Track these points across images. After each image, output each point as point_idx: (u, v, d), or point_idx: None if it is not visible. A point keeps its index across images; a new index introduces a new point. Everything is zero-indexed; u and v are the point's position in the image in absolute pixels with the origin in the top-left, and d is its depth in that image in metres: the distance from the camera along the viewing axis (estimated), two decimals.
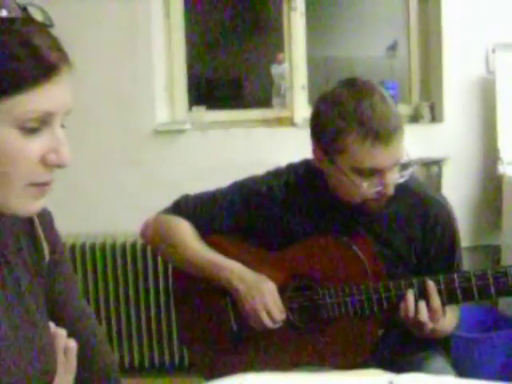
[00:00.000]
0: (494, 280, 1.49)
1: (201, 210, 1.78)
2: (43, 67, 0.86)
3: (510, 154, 3.04)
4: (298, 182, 1.75)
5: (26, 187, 0.89)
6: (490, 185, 3.21)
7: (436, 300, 1.52)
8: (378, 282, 1.60)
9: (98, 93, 3.19)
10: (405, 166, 1.60)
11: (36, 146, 0.88)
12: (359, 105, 1.51)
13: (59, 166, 0.91)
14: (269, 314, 1.64)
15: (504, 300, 3.05)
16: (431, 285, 1.53)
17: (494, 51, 3.12)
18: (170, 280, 2.12)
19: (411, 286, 1.56)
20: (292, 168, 1.79)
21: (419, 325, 1.54)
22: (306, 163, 1.77)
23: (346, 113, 1.51)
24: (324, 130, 1.57)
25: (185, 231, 1.76)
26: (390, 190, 1.56)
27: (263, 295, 1.64)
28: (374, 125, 1.49)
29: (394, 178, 1.56)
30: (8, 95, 0.84)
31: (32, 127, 0.87)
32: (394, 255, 1.68)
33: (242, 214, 1.76)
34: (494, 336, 2.86)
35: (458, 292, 1.53)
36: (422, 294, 1.54)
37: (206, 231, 1.78)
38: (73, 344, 1.04)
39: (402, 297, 1.56)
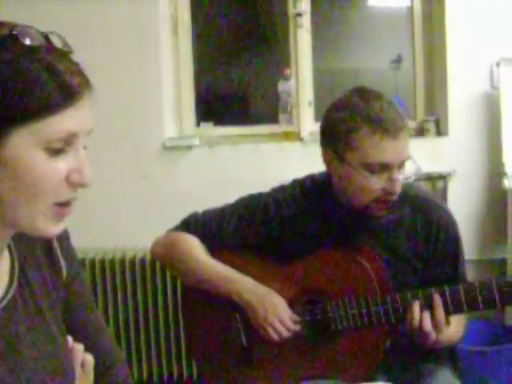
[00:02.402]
0: (498, 290, 1.52)
1: (210, 227, 1.81)
2: (67, 92, 0.90)
3: None
4: (304, 195, 1.78)
5: (52, 207, 0.93)
6: (496, 199, 3.23)
7: (440, 311, 1.55)
8: (385, 293, 1.62)
9: (106, 108, 3.21)
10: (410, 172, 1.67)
11: (61, 165, 0.92)
12: (368, 104, 1.59)
13: (82, 185, 0.95)
14: (282, 323, 1.67)
15: (511, 312, 3.06)
16: (437, 298, 1.56)
17: (498, 66, 3.15)
18: (180, 295, 2.13)
19: (417, 297, 1.58)
20: (297, 183, 1.83)
21: (423, 334, 1.56)
22: (311, 177, 1.82)
23: (356, 111, 1.59)
24: (335, 130, 1.63)
25: (195, 247, 1.80)
26: (397, 187, 1.60)
27: (276, 307, 1.68)
28: (382, 120, 1.56)
29: (402, 176, 1.61)
30: (35, 119, 0.88)
31: (57, 148, 0.91)
32: (400, 261, 1.71)
33: (249, 230, 1.79)
34: (501, 349, 2.87)
35: (463, 302, 1.56)
36: (428, 305, 1.57)
37: (216, 247, 1.81)
38: (90, 358, 1.07)
39: (408, 308, 1.58)
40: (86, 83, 0.94)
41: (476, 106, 3.24)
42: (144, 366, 3.22)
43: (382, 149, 1.57)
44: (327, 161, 1.69)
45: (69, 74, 0.91)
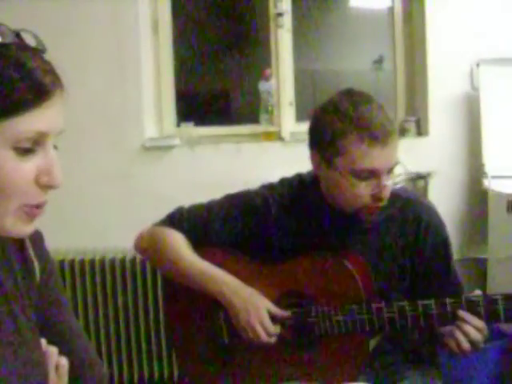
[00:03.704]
0: (484, 306, 1.51)
1: (195, 222, 1.78)
2: (37, 91, 0.88)
3: (495, 168, 3.07)
4: (292, 194, 1.76)
5: (21, 208, 0.91)
6: (476, 199, 3.24)
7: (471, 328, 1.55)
8: (371, 299, 1.61)
9: (86, 109, 3.20)
10: (398, 176, 1.68)
11: (30, 166, 0.90)
12: (357, 109, 1.56)
13: (51, 187, 0.93)
14: (263, 326, 1.65)
15: None
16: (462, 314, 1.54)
17: (478, 66, 3.16)
18: (161, 294, 2.11)
19: (402, 307, 1.57)
20: (286, 182, 1.80)
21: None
22: (298, 177, 1.80)
23: (344, 116, 1.56)
24: (323, 134, 1.60)
25: (178, 243, 1.76)
26: (386, 194, 1.59)
27: (258, 309, 1.65)
28: (371, 126, 1.53)
29: (390, 181, 1.60)
30: (3, 118, 0.86)
31: (25, 148, 0.89)
32: (388, 262, 1.70)
33: (235, 226, 1.77)
34: (485, 348, 2.87)
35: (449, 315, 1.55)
36: (419, 318, 1.56)
37: (200, 243, 1.78)
38: (64, 361, 1.05)
39: (393, 319, 1.57)
40: (57, 82, 0.92)
41: (456, 107, 3.26)
42: (125, 366, 3.20)
43: (370, 156, 1.54)
44: (315, 164, 1.67)
45: (40, 72, 0.89)
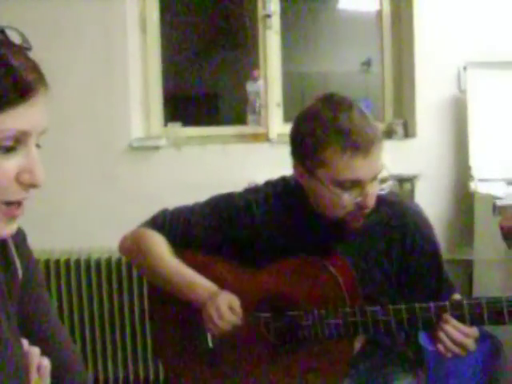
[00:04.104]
0: (468, 310, 1.50)
1: (177, 226, 1.77)
2: (20, 88, 0.87)
3: (482, 171, 3.08)
4: (276, 198, 1.74)
5: (1, 206, 0.90)
6: (462, 201, 3.25)
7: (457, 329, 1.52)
8: (355, 301, 1.60)
9: (73, 108, 3.19)
10: (383, 181, 1.62)
11: (11, 164, 0.89)
12: (337, 117, 1.52)
13: (33, 185, 0.92)
14: (218, 313, 1.63)
15: None
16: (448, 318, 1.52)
17: (465, 69, 3.17)
18: (146, 295, 2.10)
19: (387, 311, 1.55)
20: (270, 185, 1.78)
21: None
22: (283, 180, 1.77)
23: (325, 125, 1.52)
24: (304, 144, 1.57)
25: (159, 245, 1.75)
26: (371, 202, 1.56)
27: (218, 300, 1.64)
28: (352, 136, 1.49)
29: (374, 190, 1.57)
30: None
31: (7, 146, 0.88)
32: (375, 268, 1.69)
33: (219, 229, 1.75)
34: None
35: (433, 319, 1.53)
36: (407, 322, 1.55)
37: (182, 246, 1.77)
38: (46, 362, 1.04)
39: (377, 322, 1.56)
40: (40, 80, 0.91)
41: (443, 109, 3.27)
42: (110, 367, 3.18)
43: (353, 166, 1.51)
44: (297, 173, 1.64)
45: (23, 70, 0.88)
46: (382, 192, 1.60)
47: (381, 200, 1.63)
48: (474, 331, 1.52)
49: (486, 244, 3.03)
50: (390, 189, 1.66)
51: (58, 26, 3.18)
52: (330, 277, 1.61)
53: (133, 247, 1.81)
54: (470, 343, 1.53)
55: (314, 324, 1.61)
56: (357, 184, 1.54)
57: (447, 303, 1.52)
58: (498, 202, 1.85)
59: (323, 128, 1.52)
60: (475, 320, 1.50)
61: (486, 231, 3.02)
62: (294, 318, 1.64)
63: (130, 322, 3.15)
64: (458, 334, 1.51)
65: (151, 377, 3.17)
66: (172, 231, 1.77)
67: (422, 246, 1.68)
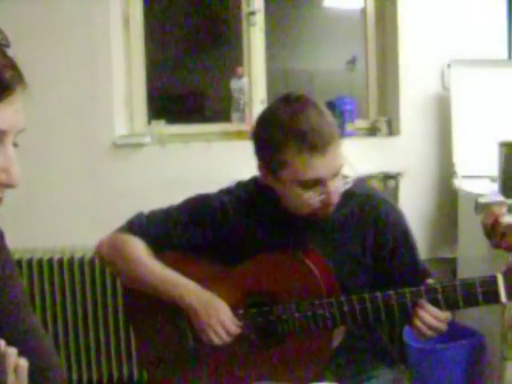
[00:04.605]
0: (443, 294, 1.51)
1: (154, 229, 1.78)
2: None
3: (465, 168, 3.10)
4: (248, 197, 1.78)
5: None
6: (446, 198, 3.27)
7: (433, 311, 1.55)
8: (332, 293, 1.61)
9: (56, 105, 3.17)
10: (346, 176, 1.66)
11: None
12: (294, 118, 1.55)
13: (8, 185, 0.90)
14: (224, 327, 1.65)
15: (461, 310, 3.10)
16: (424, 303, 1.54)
17: (449, 67, 3.18)
18: (123, 297, 2.07)
19: (363, 300, 1.57)
20: (242, 185, 1.82)
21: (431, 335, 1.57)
22: (254, 179, 1.80)
23: (282, 127, 1.55)
24: (264, 146, 1.61)
25: (138, 250, 1.76)
26: (334, 198, 1.60)
27: (218, 311, 1.66)
28: (309, 136, 1.52)
29: (337, 186, 1.60)
30: None
31: None
32: (349, 259, 1.71)
33: (195, 231, 1.77)
34: (451, 346, 2.90)
35: (408, 304, 1.55)
36: (384, 309, 1.56)
37: (160, 249, 1.78)
38: (23, 362, 1.02)
39: (353, 312, 1.57)
40: (18, 78, 0.89)
41: (427, 107, 3.28)
42: (94, 367, 3.17)
43: (312, 166, 1.54)
44: (262, 174, 1.68)
45: (0, 68, 0.86)
46: (346, 186, 1.63)
47: (350, 193, 1.68)
48: (446, 315, 1.56)
49: (470, 241, 3.05)
50: (356, 182, 1.68)
51: (40, 24, 3.15)
52: (306, 270, 1.63)
53: (111, 252, 1.81)
54: (443, 327, 1.57)
55: (292, 317, 1.63)
56: (318, 182, 1.57)
57: (422, 288, 1.54)
58: (480, 200, 1.86)
59: (280, 131, 1.55)
60: (450, 303, 1.52)
61: (470, 228, 3.03)
62: (272, 313, 1.65)
63: (113, 321, 3.13)
64: (431, 318, 1.54)
65: (135, 376, 3.16)
66: (149, 234, 1.78)
67: (395, 235, 1.72)
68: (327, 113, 1.60)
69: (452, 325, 3.05)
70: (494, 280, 1.45)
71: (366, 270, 1.72)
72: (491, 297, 1.47)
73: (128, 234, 1.79)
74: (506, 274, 1.43)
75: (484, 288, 1.46)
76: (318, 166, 1.54)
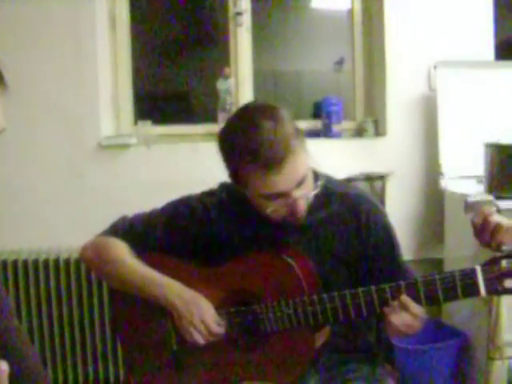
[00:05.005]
0: (423, 288, 1.49)
1: (138, 232, 1.79)
2: None
3: (452, 168, 3.11)
4: (230, 199, 1.78)
5: None
6: (433, 199, 3.28)
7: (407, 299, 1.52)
8: (313, 292, 1.60)
9: (42, 106, 3.15)
10: (315, 178, 1.66)
11: None
12: (247, 137, 1.53)
13: None
14: (207, 327, 1.64)
15: (447, 311, 3.11)
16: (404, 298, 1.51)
17: (435, 68, 3.19)
18: (108, 299, 2.06)
19: (344, 296, 1.55)
20: (224, 186, 1.81)
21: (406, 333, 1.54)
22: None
23: (237, 147, 1.55)
24: (226, 164, 1.62)
25: (122, 252, 1.76)
26: (301, 206, 1.59)
27: (202, 310, 1.65)
28: (262, 154, 1.50)
29: (303, 193, 1.59)
30: None
31: None
32: (331, 259, 1.70)
33: (177, 233, 1.77)
34: (438, 347, 2.91)
35: (389, 299, 1.52)
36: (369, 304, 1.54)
37: (144, 251, 1.78)
38: (4, 366, 1.01)
39: (335, 309, 1.56)
40: None
41: (414, 108, 3.29)
42: (79, 368, 3.15)
43: (270, 182, 1.53)
44: (234, 186, 1.69)
45: None
46: (316, 191, 1.62)
47: (331, 193, 1.68)
48: (421, 312, 1.52)
49: (457, 241, 3.06)
50: (333, 179, 1.69)
51: (27, 24, 3.13)
52: (288, 269, 1.62)
53: (95, 255, 1.81)
54: (418, 325, 1.54)
55: (274, 316, 1.62)
56: (281, 195, 1.57)
57: (402, 283, 1.51)
58: (469, 199, 1.86)
59: (234, 150, 1.56)
60: (430, 297, 1.49)
61: (457, 229, 3.04)
62: (254, 312, 1.65)
63: (99, 322, 3.11)
64: (407, 316, 1.51)
65: (121, 377, 3.14)
66: (132, 237, 1.78)
67: (377, 233, 1.71)
68: (285, 123, 1.55)
69: (439, 325, 3.08)
70: (473, 273, 1.43)
71: (348, 268, 1.72)
72: (471, 290, 1.44)
73: (111, 237, 1.79)
74: (485, 267, 1.42)
75: (463, 281, 1.44)
76: (276, 182, 1.53)
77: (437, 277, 1.48)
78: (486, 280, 1.42)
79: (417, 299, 1.50)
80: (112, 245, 1.77)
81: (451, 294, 1.47)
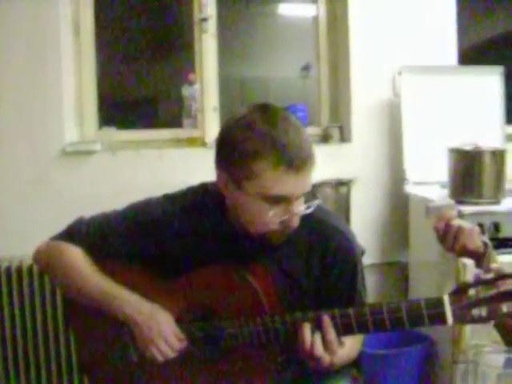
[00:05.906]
0: (388, 315, 1.41)
1: (94, 237, 1.70)
2: None
3: (416, 174, 3.14)
4: (194, 207, 1.67)
5: None
6: (397, 204, 3.30)
7: (331, 333, 1.44)
8: (274, 312, 1.53)
9: (5, 111, 3.10)
10: (310, 197, 1.57)
11: None
12: (273, 130, 1.44)
13: None
14: (167, 343, 1.57)
15: None
16: (326, 319, 1.45)
17: (400, 74, 3.22)
18: (63, 308, 1.97)
19: (307, 319, 1.47)
20: (190, 192, 1.72)
21: (316, 358, 1.45)
22: (203, 188, 1.71)
23: (260, 136, 1.44)
24: (234, 153, 1.47)
25: (77, 259, 1.68)
26: (296, 222, 1.52)
27: (160, 325, 1.57)
28: (288, 152, 1.42)
29: (300, 209, 1.52)
30: None
31: None
32: (293, 284, 1.64)
33: (136, 241, 1.68)
34: (405, 351, 2.92)
35: (354, 325, 1.45)
36: (318, 328, 1.46)
37: (100, 257, 1.70)
38: None
39: (297, 330, 1.47)
40: None
41: (378, 114, 3.31)
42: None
43: (284, 182, 1.44)
44: (221, 184, 1.55)
45: None
46: (308, 211, 1.54)
47: (308, 216, 1.57)
48: (335, 348, 1.45)
49: (422, 246, 3.09)
50: (318, 206, 1.60)
51: None
52: (247, 286, 1.56)
53: (48, 262, 1.74)
54: (327, 357, 1.45)
55: (234, 333, 1.56)
56: (284, 201, 1.48)
57: (367, 309, 1.44)
58: (431, 204, 1.87)
59: (258, 139, 1.44)
60: (396, 323, 1.42)
61: (421, 233, 3.07)
62: (214, 328, 1.59)
63: (64, 331, 3.06)
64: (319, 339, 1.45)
65: None
66: (88, 242, 1.70)
67: (341, 270, 1.64)
68: (304, 130, 1.50)
69: (404, 330, 3.10)
70: (440, 302, 1.37)
71: (308, 296, 1.64)
72: (438, 319, 1.38)
73: (66, 242, 1.71)
74: (452, 296, 1.40)
75: (430, 310, 1.39)
76: (289, 184, 1.45)
77: (403, 304, 1.42)
78: (453, 310, 1.39)
79: (381, 325, 1.43)
80: (67, 251, 1.69)
81: (417, 322, 1.41)
